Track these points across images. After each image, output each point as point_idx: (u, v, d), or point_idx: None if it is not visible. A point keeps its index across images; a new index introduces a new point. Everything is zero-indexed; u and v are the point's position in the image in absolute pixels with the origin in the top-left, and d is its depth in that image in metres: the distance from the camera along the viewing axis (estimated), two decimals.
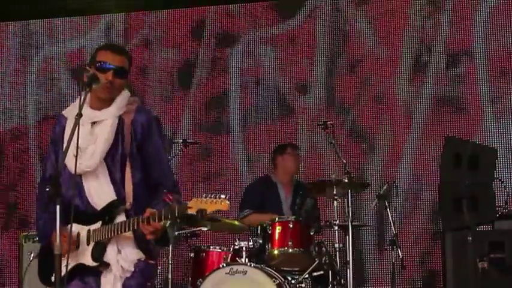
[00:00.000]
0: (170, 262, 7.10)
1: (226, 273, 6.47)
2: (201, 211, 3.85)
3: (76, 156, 3.91)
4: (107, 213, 4.11)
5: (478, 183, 6.07)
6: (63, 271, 3.87)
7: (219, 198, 3.86)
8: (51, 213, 3.74)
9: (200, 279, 6.55)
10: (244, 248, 6.72)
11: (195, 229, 7.08)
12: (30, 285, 7.48)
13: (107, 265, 4.10)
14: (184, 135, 9.01)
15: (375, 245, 8.75)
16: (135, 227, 4.01)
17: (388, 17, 9.20)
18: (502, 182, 7.54)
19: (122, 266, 4.10)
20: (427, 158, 8.83)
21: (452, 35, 9.05)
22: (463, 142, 6.70)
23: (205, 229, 7.07)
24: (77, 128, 3.87)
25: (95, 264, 4.09)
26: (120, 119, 4.18)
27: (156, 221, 3.94)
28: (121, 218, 4.10)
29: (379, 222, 8.50)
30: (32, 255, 7.29)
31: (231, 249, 6.83)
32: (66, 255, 3.84)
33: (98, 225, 4.11)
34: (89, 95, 4.08)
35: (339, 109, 9.15)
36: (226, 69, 9.51)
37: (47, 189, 3.72)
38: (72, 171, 3.99)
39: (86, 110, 4.11)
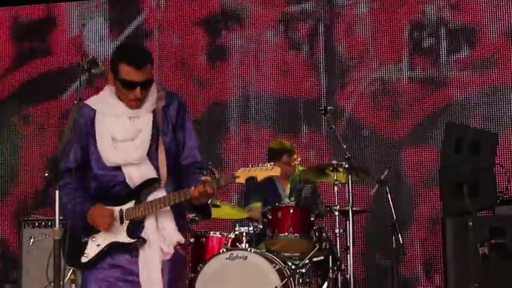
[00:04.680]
0: None
1: (226, 259, 6.48)
2: (251, 178, 3.90)
3: (77, 147, 3.93)
4: (139, 192, 4.14)
5: (478, 169, 6.06)
6: (96, 250, 4.09)
7: (269, 165, 3.95)
8: (79, 194, 4.04)
9: (200, 265, 6.56)
10: (244, 234, 6.73)
11: (194, 215, 7.07)
12: (29, 270, 7.50)
13: (144, 241, 4.11)
14: None
15: (375, 230, 8.74)
16: (187, 197, 4.05)
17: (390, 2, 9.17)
18: (503, 167, 7.52)
19: (161, 248, 4.12)
20: (428, 143, 8.82)
21: (454, 18, 9.01)
22: (464, 127, 6.69)
23: None
24: (76, 111, 3.89)
25: (131, 240, 4.11)
26: (154, 110, 4.24)
27: (210, 186, 3.99)
28: (157, 195, 4.14)
29: (379, 208, 8.48)
30: (32, 240, 7.30)
31: (232, 234, 6.83)
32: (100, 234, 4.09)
33: (131, 204, 4.14)
34: (113, 88, 4.16)
35: (339, 94, 9.13)
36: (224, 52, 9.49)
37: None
38: (110, 164, 4.12)
39: (115, 102, 4.19)
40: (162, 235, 4.13)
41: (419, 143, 8.88)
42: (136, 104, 4.15)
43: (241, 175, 3.99)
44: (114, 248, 4.14)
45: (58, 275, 3.70)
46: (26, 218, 7.99)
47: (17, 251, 8.06)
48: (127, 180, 4.16)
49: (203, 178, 4.06)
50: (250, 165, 4.03)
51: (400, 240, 7.09)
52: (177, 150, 4.25)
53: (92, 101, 4.27)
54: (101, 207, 4.11)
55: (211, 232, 6.98)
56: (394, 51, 9.08)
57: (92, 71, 4.01)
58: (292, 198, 7.41)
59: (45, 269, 6.36)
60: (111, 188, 4.17)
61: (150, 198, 4.13)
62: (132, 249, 4.13)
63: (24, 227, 7.77)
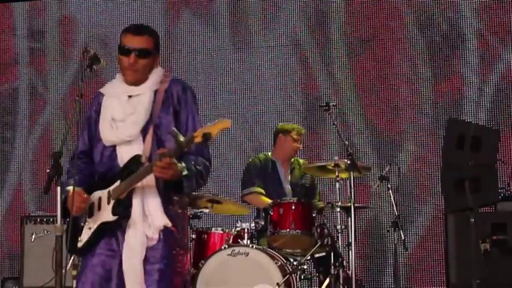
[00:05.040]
0: None
1: (228, 255, 6.48)
2: (205, 135, 3.82)
3: (77, 137, 3.93)
4: (126, 170, 4.12)
5: (480, 165, 6.06)
6: (89, 234, 4.10)
7: (220, 119, 3.88)
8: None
9: (202, 261, 6.55)
10: (246, 230, 6.73)
11: (197, 211, 7.07)
12: (31, 266, 7.51)
13: (128, 217, 4.08)
14: None
15: (377, 226, 8.74)
16: (148, 172, 3.99)
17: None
18: (505, 164, 7.52)
19: (146, 235, 4.07)
20: (429, 139, 8.81)
21: (456, 14, 9.02)
22: (466, 123, 6.68)
23: (207, 211, 7.06)
24: (78, 107, 3.90)
25: (114, 218, 4.09)
26: (155, 91, 4.23)
27: (168, 156, 3.92)
28: None
29: (381, 204, 8.48)
30: (34, 236, 7.31)
31: (233, 230, 6.83)
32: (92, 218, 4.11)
33: (117, 183, 4.13)
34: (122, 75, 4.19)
35: (341, 90, 9.12)
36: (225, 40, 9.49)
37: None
38: (107, 143, 4.14)
39: (122, 86, 4.21)
40: (148, 221, 4.08)
41: (421, 139, 8.87)
42: (131, 73, 4.15)
43: (198, 134, 3.86)
44: (103, 229, 4.12)
45: (60, 270, 3.70)
46: (27, 214, 8.00)
47: (18, 247, 8.06)
48: (118, 161, 4.16)
49: (159, 151, 3.99)
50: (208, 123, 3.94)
51: (402, 236, 7.10)
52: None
53: (103, 88, 4.33)
54: (75, 192, 4.05)
55: (213, 228, 6.97)
56: (397, 46, 9.08)
57: (94, 66, 4.01)
58: (294, 191, 7.38)
59: (46, 265, 6.37)
60: (107, 170, 4.16)
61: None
62: (117, 229, 4.10)
63: (26, 223, 7.77)
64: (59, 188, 3.73)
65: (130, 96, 4.19)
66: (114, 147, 4.17)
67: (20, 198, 9.56)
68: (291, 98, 9.25)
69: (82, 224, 4.18)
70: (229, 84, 9.42)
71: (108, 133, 4.16)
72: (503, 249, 6.43)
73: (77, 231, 4.17)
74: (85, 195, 4.14)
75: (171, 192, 4.16)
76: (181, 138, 3.86)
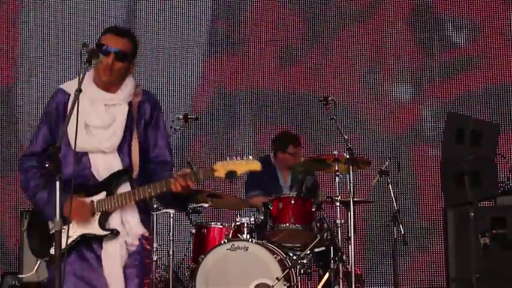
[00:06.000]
0: (171, 238, 7.09)
1: (227, 249, 6.48)
2: (230, 173, 3.87)
3: (76, 132, 3.89)
4: (110, 184, 4.10)
5: (480, 159, 6.06)
6: (66, 243, 3.93)
7: (247, 158, 3.92)
8: (53, 189, 3.73)
9: (202, 255, 6.55)
10: (245, 224, 6.73)
11: (196, 205, 7.07)
12: (30, 261, 7.50)
13: (117, 233, 4.08)
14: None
15: (376, 221, 8.74)
16: (164, 189, 4.02)
17: None
18: (504, 158, 7.51)
19: (125, 241, 4.08)
20: (429, 133, 8.81)
21: (454, 5, 9.01)
22: (466, 118, 6.67)
23: (207, 205, 7.06)
24: (76, 103, 3.86)
25: (105, 232, 4.07)
26: (129, 102, 4.20)
27: (190, 179, 3.99)
28: (125, 188, 4.10)
29: (380, 198, 8.47)
30: None
31: (233, 225, 6.83)
32: (71, 225, 3.94)
33: (102, 195, 4.10)
34: (93, 73, 4.12)
35: (340, 85, 9.12)
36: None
37: (47, 165, 3.70)
38: (78, 149, 3.99)
39: (93, 88, 4.14)
40: (126, 229, 4.10)
41: (420, 133, 8.87)
42: (105, 74, 4.10)
43: (220, 169, 3.96)
44: (85, 240, 4.09)
45: (58, 265, 3.68)
46: (26, 209, 7.98)
47: (18, 242, 8.05)
48: (92, 169, 4.11)
49: (182, 171, 4.04)
50: (228, 158, 4.01)
51: (402, 230, 7.09)
52: (147, 147, 4.22)
53: (66, 86, 4.23)
54: (79, 200, 4.04)
55: (213, 223, 6.97)
56: (395, 38, 9.08)
57: (93, 61, 4.00)
58: (294, 190, 7.39)
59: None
60: (76, 176, 4.04)
61: (120, 190, 4.10)
62: (99, 242, 4.09)
63: (25, 218, 7.76)
64: (57, 183, 3.70)
65: (105, 105, 4.14)
66: (85, 153, 4.12)
67: (19, 192, 9.54)
68: (292, 94, 9.25)
69: (51, 230, 4.03)
70: (229, 83, 9.43)
71: (81, 139, 4.03)
72: (502, 244, 6.43)
73: (46, 234, 4.08)
74: (88, 203, 4.09)
75: (146, 201, 4.21)
76: (200, 174, 3.97)
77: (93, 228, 4.09)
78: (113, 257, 4.06)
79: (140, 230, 4.14)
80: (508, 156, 8.17)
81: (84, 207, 4.06)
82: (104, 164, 4.11)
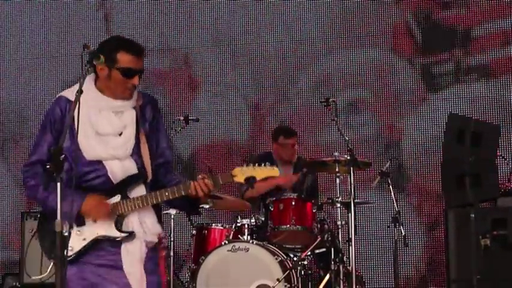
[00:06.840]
0: (172, 239, 7.10)
1: (228, 251, 6.48)
2: (249, 178, 3.94)
3: (76, 132, 3.91)
4: (125, 187, 4.12)
5: (481, 160, 6.06)
6: (82, 244, 4.04)
7: (268, 165, 3.99)
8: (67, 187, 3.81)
9: (202, 257, 6.56)
10: (246, 225, 6.73)
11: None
12: (31, 262, 7.50)
13: (134, 234, 4.09)
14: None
15: (377, 222, 8.73)
16: (182, 193, 4.07)
17: None
18: (505, 159, 7.51)
19: (145, 240, 4.10)
20: (430, 134, 8.81)
21: (457, 12, 9.01)
22: (466, 119, 6.68)
23: (207, 206, 7.06)
24: (77, 105, 3.87)
25: (122, 234, 4.08)
26: (133, 107, 4.23)
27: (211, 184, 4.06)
28: (139, 191, 4.13)
29: (381, 200, 8.47)
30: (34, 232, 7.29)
31: (233, 226, 6.83)
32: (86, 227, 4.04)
33: (116, 198, 4.11)
34: (93, 77, 4.12)
35: (340, 85, 9.12)
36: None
37: (47, 167, 3.70)
38: (92, 158, 4.06)
39: (97, 94, 4.14)
40: (143, 229, 4.11)
41: (421, 135, 8.87)
42: (126, 91, 4.12)
43: (239, 174, 4.01)
44: (101, 242, 4.09)
45: (60, 266, 3.68)
46: (28, 210, 7.98)
47: (19, 243, 8.05)
48: (109, 174, 4.11)
49: (201, 175, 4.09)
50: (245, 165, 4.05)
51: (402, 232, 7.10)
52: (151, 149, 4.24)
53: (68, 93, 4.18)
54: (99, 198, 4.06)
55: (213, 224, 6.98)
56: (396, 41, 9.08)
57: (94, 62, 4.00)
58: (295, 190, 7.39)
59: (46, 261, 6.33)
60: (89, 181, 4.08)
61: (134, 194, 4.12)
62: (116, 244, 4.10)
63: (26, 219, 7.76)
64: (58, 184, 3.70)
65: (114, 112, 4.16)
66: (100, 161, 4.12)
67: (21, 194, 9.56)
68: (293, 93, 9.25)
69: (67, 230, 3.95)
70: (229, 82, 9.43)
71: (95, 149, 4.08)
72: (503, 245, 6.42)
73: (60, 235, 3.98)
74: (106, 202, 4.11)
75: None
76: (219, 179, 4.03)
77: (110, 230, 4.10)
78: (134, 256, 4.08)
79: (158, 229, 4.18)
80: (509, 158, 8.17)
81: (105, 205, 4.08)
82: (122, 169, 4.13)
